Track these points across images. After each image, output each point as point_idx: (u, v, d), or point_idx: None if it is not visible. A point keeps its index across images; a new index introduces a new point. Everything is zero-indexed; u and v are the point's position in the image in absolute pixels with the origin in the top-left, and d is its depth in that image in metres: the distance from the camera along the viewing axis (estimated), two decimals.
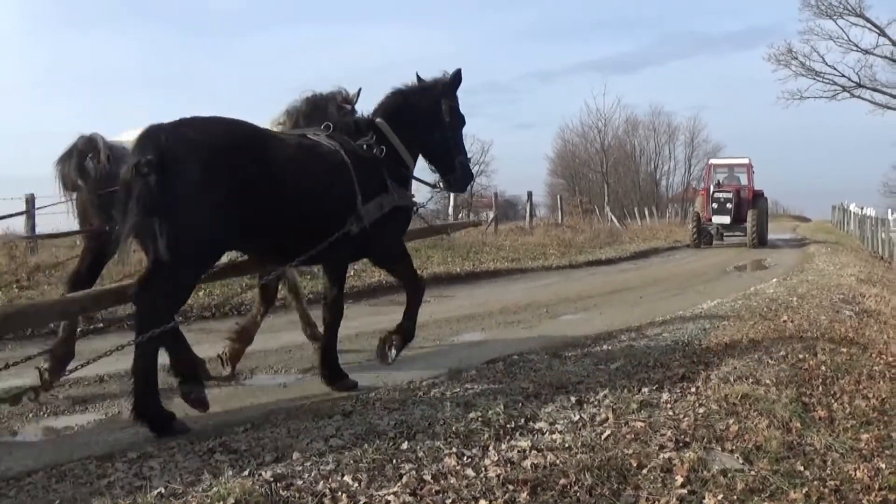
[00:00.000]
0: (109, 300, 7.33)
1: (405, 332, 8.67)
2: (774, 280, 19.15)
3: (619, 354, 9.18)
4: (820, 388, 7.92)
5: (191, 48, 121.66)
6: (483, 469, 5.35)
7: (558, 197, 47.89)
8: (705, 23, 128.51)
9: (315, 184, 7.51)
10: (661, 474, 5.39)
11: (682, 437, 6.14)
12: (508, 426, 6.29)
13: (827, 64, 54.34)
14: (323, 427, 6.38)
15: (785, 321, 11.80)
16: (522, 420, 6.48)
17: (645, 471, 5.43)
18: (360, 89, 9.22)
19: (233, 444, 5.96)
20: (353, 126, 8.44)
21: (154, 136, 6.50)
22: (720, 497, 5.09)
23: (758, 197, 36.58)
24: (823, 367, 8.71)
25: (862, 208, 45.64)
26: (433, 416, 6.50)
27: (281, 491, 4.93)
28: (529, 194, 38.36)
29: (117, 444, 6.44)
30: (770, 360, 8.80)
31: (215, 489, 4.91)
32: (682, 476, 5.35)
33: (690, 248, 34.19)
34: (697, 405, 7.03)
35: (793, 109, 70.25)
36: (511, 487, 5.05)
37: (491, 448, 5.80)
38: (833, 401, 7.55)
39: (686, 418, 6.62)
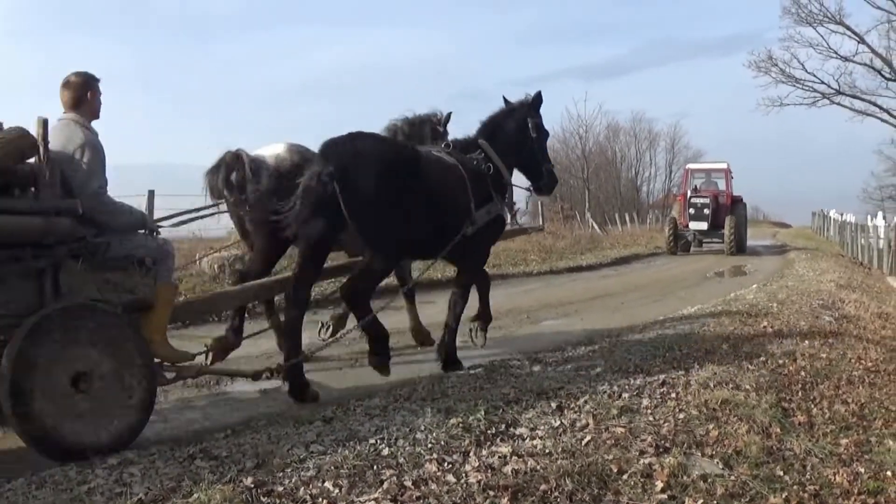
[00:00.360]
0: (276, 289, 9.07)
1: (484, 316, 10.45)
2: (755, 286, 19.24)
3: (599, 360, 9.20)
4: (799, 394, 7.96)
5: (187, 49, 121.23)
6: (464, 475, 5.35)
7: (539, 203, 47.77)
8: (687, 30, 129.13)
9: (447, 193, 9.02)
10: (642, 480, 5.40)
11: (663, 442, 6.16)
12: (489, 432, 6.29)
13: (807, 71, 54.42)
14: (304, 433, 6.37)
15: (765, 327, 11.85)
16: (503, 426, 6.48)
17: (625, 476, 5.44)
18: (450, 113, 10.94)
19: (213, 451, 5.94)
20: (464, 145, 9.86)
21: (333, 151, 8.15)
22: (700, 502, 5.11)
23: (736, 203, 35.67)
24: (803, 373, 8.75)
25: (842, 214, 45.79)
26: (414, 422, 6.49)
27: (261, 497, 4.92)
28: None
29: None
30: (750, 366, 8.83)
31: (196, 495, 4.90)
32: (662, 481, 5.36)
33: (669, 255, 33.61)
34: (678, 410, 7.05)
35: (773, 116, 70.71)
36: (492, 493, 5.05)
37: (472, 454, 5.80)
38: (813, 406, 7.59)
39: (666, 424, 6.63)
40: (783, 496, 5.28)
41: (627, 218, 59.00)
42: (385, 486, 5.09)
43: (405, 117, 10.76)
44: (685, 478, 5.46)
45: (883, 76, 52.50)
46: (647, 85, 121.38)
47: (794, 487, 5.47)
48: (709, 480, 5.44)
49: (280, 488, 5.05)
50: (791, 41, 54.34)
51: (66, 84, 6.95)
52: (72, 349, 6.14)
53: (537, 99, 10.21)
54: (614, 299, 17.42)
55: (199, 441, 6.33)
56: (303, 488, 5.05)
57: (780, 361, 9.16)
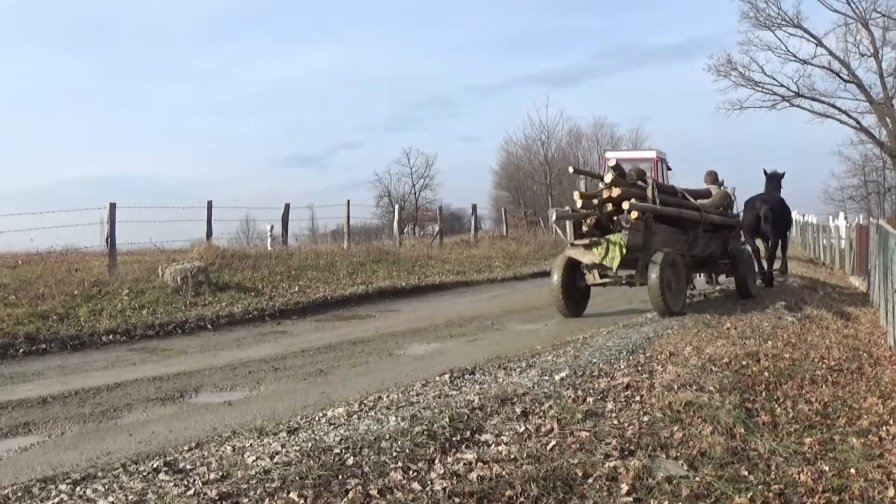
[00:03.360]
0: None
1: (784, 268, 22.38)
2: (717, 288, 19.38)
3: (564, 365, 9.19)
4: (763, 394, 8.01)
5: (148, 60, 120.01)
6: (429, 482, 5.34)
7: (503, 209, 47.69)
8: (646, 35, 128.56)
9: (786, 212, 21.68)
10: (607, 483, 5.41)
11: (627, 445, 6.17)
12: (454, 439, 6.29)
13: (766, 74, 54.66)
14: (268, 444, 6.34)
15: (728, 328, 11.91)
16: (468, 432, 6.48)
17: (591, 480, 5.45)
18: (784, 172, 21.62)
19: (178, 464, 5.90)
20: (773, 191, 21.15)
21: (762, 201, 20.30)
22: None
23: None
24: (766, 373, 8.80)
25: (803, 215, 46.04)
26: (379, 431, 6.47)
27: None
28: (474, 207, 38.06)
29: (60, 466, 6.38)
30: (714, 367, 8.87)
31: None
32: (627, 484, 5.37)
33: None
34: (642, 413, 7.07)
35: (734, 119, 70.83)
36: (457, 500, 5.05)
37: (437, 461, 5.79)
38: (776, 406, 7.63)
39: (631, 427, 6.65)
40: (748, 496, 5.30)
41: None
42: (350, 495, 5.07)
43: (771, 190, 21.12)
44: (650, 480, 5.47)
45: (841, 78, 53.05)
46: (607, 90, 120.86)
47: (759, 487, 5.50)
48: (674, 482, 5.46)
49: (245, 500, 5.02)
50: (750, 45, 54.78)
51: (710, 174, 18.48)
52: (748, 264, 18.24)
53: (783, 174, 21.28)
54: None
55: (163, 454, 6.29)
56: (268, 499, 5.02)
57: (744, 362, 9.21)
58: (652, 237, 14.38)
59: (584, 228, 14.80)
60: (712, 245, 16.99)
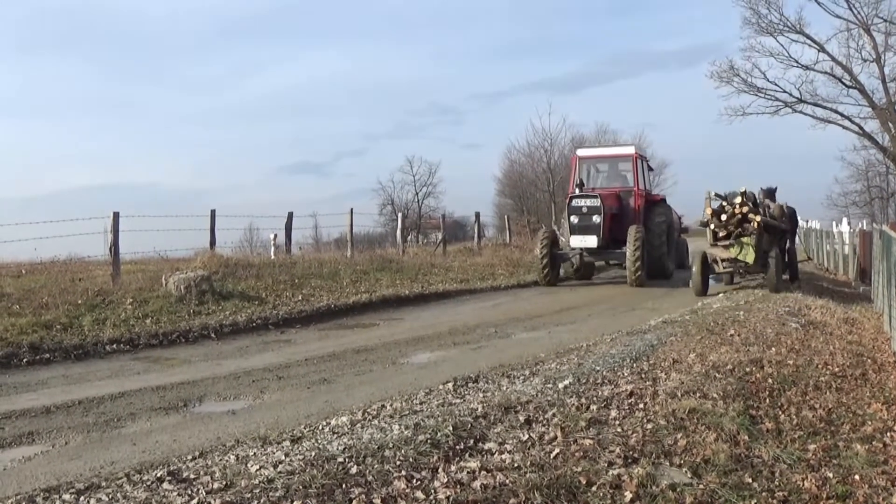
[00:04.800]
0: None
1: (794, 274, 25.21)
2: (721, 294, 19.41)
3: (567, 373, 9.19)
4: (767, 401, 7.99)
5: (149, 67, 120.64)
6: (433, 491, 5.33)
7: (506, 217, 47.62)
8: (648, 42, 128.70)
9: (797, 219, 26.34)
10: (611, 491, 5.41)
11: (631, 453, 6.16)
12: (458, 447, 6.27)
13: (768, 80, 54.34)
14: (272, 453, 6.34)
15: (732, 335, 11.88)
16: (472, 441, 6.47)
17: (594, 488, 5.44)
18: (777, 186, 24.40)
19: (181, 473, 5.89)
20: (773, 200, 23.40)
21: (788, 211, 23.46)
22: None
23: (654, 205, 25.28)
24: (770, 380, 8.78)
25: (807, 221, 46.01)
26: (382, 440, 6.46)
27: None
28: (477, 215, 38.07)
29: (64, 476, 6.37)
30: (717, 374, 8.86)
31: None
32: (631, 492, 5.37)
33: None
34: (646, 421, 7.06)
35: (737, 125, 70.73)
36: None
37: (440, 470, 5.77)
38: (780, 412, 7.61)
39: (634, 434, 6.64)
40: (752, 503, 5.29)
41: None
42: None
43: (762, 193, 23.16)
44: (654, 488, 5.46)
45: (843, 84, 52.80)
46: (610, 97, 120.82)
47: (763, 494, 5.49)
48: (677, 490, 5.45)
49: None
50: (752, 51, 54.44)
51: (740, 194, 21.35)
52: (796, 258, 25.48)
53: (776, 188, 23.12)
54: (582, 312, 17.45)
55: (166, 464, 6.29)
56: None
57: (748, 369, 9.19)
58: (762, 240, 20.71)
59: (721, 234, 20.91)
60: (779, 245, 22.85)
